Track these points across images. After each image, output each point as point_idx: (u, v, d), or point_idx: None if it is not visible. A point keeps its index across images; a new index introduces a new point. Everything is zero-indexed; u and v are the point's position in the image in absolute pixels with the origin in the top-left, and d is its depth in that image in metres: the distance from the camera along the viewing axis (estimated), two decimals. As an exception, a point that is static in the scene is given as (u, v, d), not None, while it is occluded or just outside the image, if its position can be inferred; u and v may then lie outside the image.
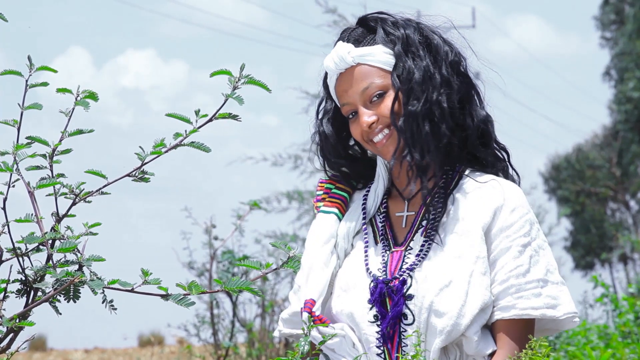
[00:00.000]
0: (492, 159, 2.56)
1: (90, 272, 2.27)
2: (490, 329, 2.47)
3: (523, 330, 2.44)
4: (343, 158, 2.61)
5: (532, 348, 2.33)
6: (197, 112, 2.33)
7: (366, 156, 2.63)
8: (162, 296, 2.26)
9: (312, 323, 2.45)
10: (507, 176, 2.56)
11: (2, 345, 2.29)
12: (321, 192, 2.64)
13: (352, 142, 2.62)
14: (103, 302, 2.26)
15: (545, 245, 2.49)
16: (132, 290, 2.25)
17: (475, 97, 2.55)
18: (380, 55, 2.51)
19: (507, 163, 2.57)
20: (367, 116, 2.50)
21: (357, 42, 2.54)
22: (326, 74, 2.59)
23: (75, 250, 2.28)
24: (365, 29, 2.56)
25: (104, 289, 2.26)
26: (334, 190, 2.62)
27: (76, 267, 2.27)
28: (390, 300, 2.45)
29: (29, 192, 2.34)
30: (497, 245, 2.46)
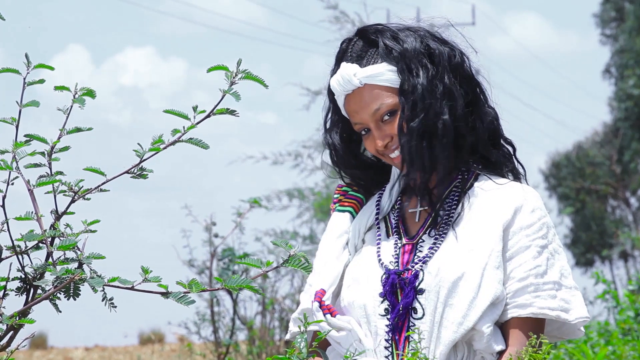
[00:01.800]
0: (502, 159, 2.57)
1: (90, 269, 2.26)
2: (502, 326, 2.47)
3: (536, 330, 2.45)
4: (355, 167, 2.63)
5: (533, 346, 2.33)
6: (194, 108, 2.33)
7: (380, 162, 2.63)
8: (162, 294, 2.26)
9: (320, 312, 2.47)
10: (515, 173, 2.58)
11: (2, 343, 2.29)
12: (338, 195, 2.66)
13: (362, 149, 2.62)
14: (103, 300, 2.26)
15: (560, 250, 2.51)
16: (132, 288, 2.25)
17: (482, 97, 2.56)
18: (386, 74, 2.51)
19: (514, 158, 2.58)
20: (381, 138, 2.51)
21: (360, 59, 2.53)
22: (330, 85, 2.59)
23: (75, 247, 2.28)
24: (366, 42, 2.55)
25: (104, 287, 2.25)
26: (350, 193, 2.64)
27: (76, 264, 2.27)
28: (401, 292, 2.46)
29: (29, 190, 2.34)
30: (516, 242, 2.46)
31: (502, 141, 2.58)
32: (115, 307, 2.26)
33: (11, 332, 2.30)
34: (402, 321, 2.45)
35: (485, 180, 2.54)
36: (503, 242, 2.46)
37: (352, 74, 2.52)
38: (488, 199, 2.51)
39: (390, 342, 2.45)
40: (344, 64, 2.55)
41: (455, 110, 2.49)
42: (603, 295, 7.06)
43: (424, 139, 2.47)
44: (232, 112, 2.33)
